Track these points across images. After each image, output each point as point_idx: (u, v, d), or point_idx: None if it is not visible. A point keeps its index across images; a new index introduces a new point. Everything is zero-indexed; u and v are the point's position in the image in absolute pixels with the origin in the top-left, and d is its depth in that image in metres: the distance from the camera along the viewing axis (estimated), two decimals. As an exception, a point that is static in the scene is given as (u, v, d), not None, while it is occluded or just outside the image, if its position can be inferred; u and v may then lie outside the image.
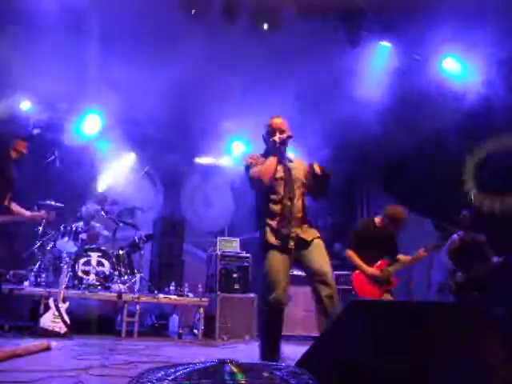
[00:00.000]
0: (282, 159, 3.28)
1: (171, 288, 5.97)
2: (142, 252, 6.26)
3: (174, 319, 6.12)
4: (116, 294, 5.34)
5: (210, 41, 5.44)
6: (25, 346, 3.49)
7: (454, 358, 1.59)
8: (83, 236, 5.89)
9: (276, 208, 3.19)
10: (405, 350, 1.60)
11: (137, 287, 5.83)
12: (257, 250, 3.34)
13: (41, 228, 5.78)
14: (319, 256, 3.11)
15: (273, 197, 3.23)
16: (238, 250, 6.40)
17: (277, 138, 3.24)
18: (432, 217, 5.84)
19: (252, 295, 6.02)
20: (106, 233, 6.23)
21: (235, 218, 8.64)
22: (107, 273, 5.68)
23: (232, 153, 8.26)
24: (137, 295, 5.44)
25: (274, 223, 3.16)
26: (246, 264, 6.25)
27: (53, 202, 5.76)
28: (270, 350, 3.04)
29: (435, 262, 5.78)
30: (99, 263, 5.66)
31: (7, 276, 5.37)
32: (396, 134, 6.55)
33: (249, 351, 4.78)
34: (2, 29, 5.54)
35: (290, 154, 3.61)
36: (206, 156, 8.22)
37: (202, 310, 5.66)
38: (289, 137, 3.28)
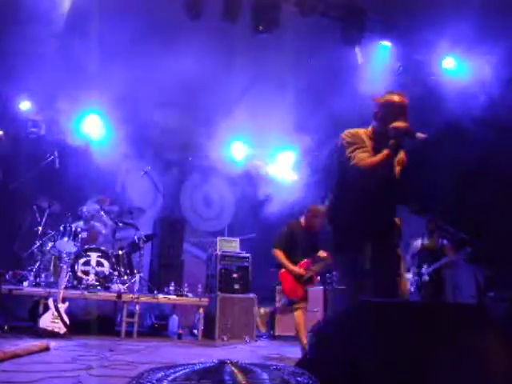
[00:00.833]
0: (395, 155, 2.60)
1: (171, 288, 5.96)
2: (142, 252, 6.25)
3: (174, 319, 6.12)
4: (115, 294, 5.33)
5: (210, 41, 5.44)
6: (24, 346, 3.48)
7: (455, 357, 1.59)
8: (83, 235, 5.88)
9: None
10: (405, 349, 1.59)
11: (136, 287, 5.83)
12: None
13: (40, 228, 5.78)
14: None
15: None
16: (238, 250, 6.40)
17: (403, 124, 2.54)
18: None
19: (252, 295, 6.01)
20: (103, 231, 6.21)
21: (235, 218, 8.64)
22: (107, 273, 5.67)
23: (232, 153, 8.26)
24: (136, 295, 5.44)
25: None
26: (245, 264, 6.25)
27: None
28: None
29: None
30: (99, 263, 5.66)
31: (7, 276, 5.36)
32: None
33: (249, 351, 4.77)
34: (3, 28, 5.54)
35: None
36: (206, 156, 8.21)
37: (201, 310, 5.65)
38: (410, 130, 2.55)
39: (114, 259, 5.77)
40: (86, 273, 5.57)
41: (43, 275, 5.53)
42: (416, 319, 1.70)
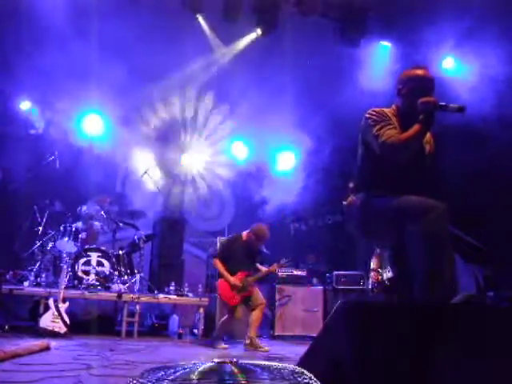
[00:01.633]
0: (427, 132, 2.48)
1: (171, 288, 5.96)
2: (142, 252, 6.26)
3: (174, 319, 6.12)
4: (116, 294, 5.33)
5: (210, 40, 5.44)
6: (25, 345, 3.48)
7: (440, 358, 1.60)
8: (83, 235, 5.88)
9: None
10: (391, 349, 1.60)
11: (137, 287, 5.83)
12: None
13: (41, 228, 5.79)
14: None
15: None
16: (238, 250, 6.38)
17: (434, 100, 2.42)
18: None
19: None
20: (103, 231, 6.21)
21: (235, 218, 8.64)
22: (107, 273, 5.67)
23: (232, 153, 8.26)
24: (137, 295, 5.44)
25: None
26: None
27: None
28: None
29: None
30: (99, 263, 5.66)
31: (7, 276, 5.36)
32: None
33: (249, 351, 4.77)
34: (4, 28, 5.55)
35: None
36: (206, 156, 8.21)
37: (201, 310, 5.65)
38: (439, 103, 2.43)
39: (114, 259, 5.77)
40: (87, 273, 5.57)
41: (43, 275, 5.53)
42: (394, 319, 1.70)
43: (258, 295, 5.15)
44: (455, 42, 5.80)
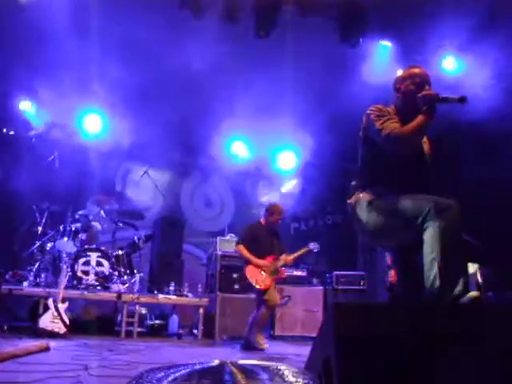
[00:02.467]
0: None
1: (171, 288, 5.96)
2: (142, 252, 6.25)
3: (174, 319, 6.12)
4: (116, 295, 5.33)
5: (210, 40, 5.44)
6: (24, 346, 3.47)
7: (431, 359, 1.59)
8: (82, 236, 5.88)
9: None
10: (383, 351, 1.59)
11: (136, 287, 5.82)
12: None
13: (40, 228, 5.78)
14: None
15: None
16: (238, 250, 6.38)
17: (435, 93, 2.47)
18: None
19: (252, 295, 6.00)
20: (103, 231, 6.20)
21: (235, 218, 8.64)
22: (107, 273, 5.66)
23: (232, 153, 8.26)
24: (136, 295, 5.43)
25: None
26: (245, 264, 6.23)
27: None
28: None
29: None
30: (99, 263, 5.65)
31: (7, 276, 5.36)
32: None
33: (249, 351, 4.76)
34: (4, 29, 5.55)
35: None
36: (206, 156, 8.21)
37: (201, 310, 5.65)
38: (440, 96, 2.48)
39: (113, 259, 5.77)
40: (86, 273, 5.56)
41: (43, 275, 5.53)
42: (385, 319, 1.70)
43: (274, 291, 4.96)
44: (455, 42, 5.79)
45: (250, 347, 4.77)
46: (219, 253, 6.20)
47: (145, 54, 5.96)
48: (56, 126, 7.10)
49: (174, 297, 5.82)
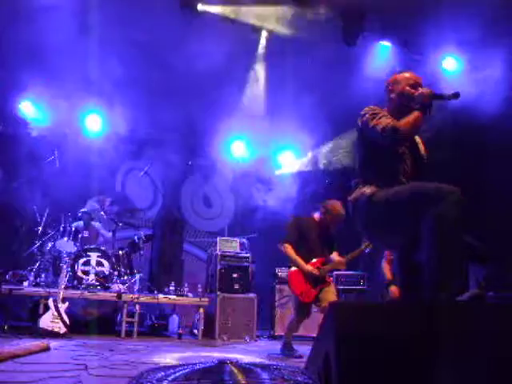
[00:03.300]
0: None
1: (171, 288, 5.96)
2: (142, 252, 6.26)
3: (174, 319, 6.12)
4: (116, 294, 5.33)
5: (210, 40, 5.44)
6: (24, 346, 3.48)
7: (428, 360, 1.60)
8: (83, 235, 5.88)
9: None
10: (379, 349, 1.60)
11: (136, 287, 5.83)
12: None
13: (40, 228, 5.78)
14: None
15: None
16: (238, 250, 6.40)
17: (429, 91, 2.56)
18: None
19: (252, 295, 6.01)
20: (108, 234, 6.21)
21: (235, 218, 8.64)
22: (107, 273, 5.67)
23: (232, 153, 8.26)
24: (136, 295, 5.44)
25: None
26: (245, 264, 6.24)
27: None
28: None
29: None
30: (99, 263, 5.65)
31: (7, 276, 5.36)
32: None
33: (249, 351, 4.77)
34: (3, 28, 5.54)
35: None
36: (207, 156, 8.22)
37: (201, 310, 5.65)
38: (434, 93, 2.57)
39: (113, 259, 5.77)
40: (86, 273, 5.56)
41: (43, 275, 5.53)
42: (382, 318, 1.71)
43: (333, 289, 4.38)
44: (456, 42, 5.80)
45: (285, 350, 4.40)
46: (219, 253, 6.21)
47: (146, 54, 5.96)
48: (56, 125, 7.09)
49: (174, 297, 5.82)
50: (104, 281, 5.62)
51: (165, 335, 5.90)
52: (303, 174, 8.30)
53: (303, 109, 6.30)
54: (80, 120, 7.34)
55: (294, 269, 4.34)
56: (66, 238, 5.73)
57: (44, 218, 5.86)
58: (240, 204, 8.61)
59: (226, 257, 6.20)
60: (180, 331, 5.66)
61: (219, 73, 5.87)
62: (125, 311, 5.27)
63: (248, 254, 6.32)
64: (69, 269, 5.24)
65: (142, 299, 5.48)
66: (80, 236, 5.83)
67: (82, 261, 5.59)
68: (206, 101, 6.62)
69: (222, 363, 1.69)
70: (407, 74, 2.77)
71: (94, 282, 5.53)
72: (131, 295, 5.42)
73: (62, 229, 5.80)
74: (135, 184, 7.88)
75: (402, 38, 6.08)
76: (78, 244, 5.76)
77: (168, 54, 5.77)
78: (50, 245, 5.75)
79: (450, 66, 6.19)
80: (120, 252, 5.98)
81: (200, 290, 6.14)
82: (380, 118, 2.59)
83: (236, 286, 6.07)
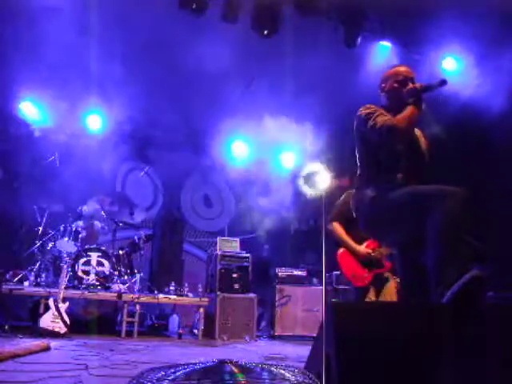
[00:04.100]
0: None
1: (171, 288, 5.96)
2: (142, 252, 6.26)
3: (174, 319, 6.12)
4: (116, 294, 5.33)
5: (210, 40, 5.44)
6: (25, 346, 3.48)
7: (430, 360, 1.60)
8: (83, 235, 5.89)
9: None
10: (379, 348, 1.60)
11: (137, 287, 5.83)
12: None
13: (41, 228, 5.79)
14: None
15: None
16: (238, 250, 6.40)
17: (418, 85, 2.60)
18: None
19: (252, 295, 6.01)
20: (103, 231, 6.21)
21: (235, 218, 8.65)
22: (107, 273, 5.67)
23: (232, 153, 8.26)
24: (137, 295, 5.44)
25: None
26: (245, 264, 6.24)
27: None
28: None
29: None
30: (99, 263, 5.66)
31: (7, 276, 5.37)
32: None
33: (249, 351, 4.77)
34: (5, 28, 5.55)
35: None
36: (206, 156, 8.22)
37: (201, 310, 5.65)
38: (424, 86, 2.59)
39: (114, 259, 5.78)
40: (87, 273, 5.57)
41: (43, 275, 5.53)
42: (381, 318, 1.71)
43: (394, 284, 3.93)
44: (456, 42, 5.80)
45: None
46: (219, 253, 6.21)
47: (147, 54, 5.96)
48: (57, 125, 7.10)
49: (174, 296, 5.82)
50: (104, 281, 5.62)
51: (165, 335, 5.90)
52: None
53: (303, 109, 6.30)
54: (80, 120, 7.34)
55: (342, 250, 4.00)
56: (66, 238, 5.73)
57: (44, 218, 5.87)
58: (240, 204, 8.61)
59: (226, 257, 6.20)
60: (180, 331, 5.66)
61: (220, 73, 5.86)
62: (125, 311, 5.27)
63: (248, 254, 6.32)
64: (69, 269, 5.25)
65: (143, 299, 5.48)
66: (80, 236, 5.84)
67: (82, 261, 5.59)
68: (206, 101, 6.62)
69: (222, 363, 1.69)
70: (399, 69, 2.78)
71: (94, 281, 5.53)
72: (131, 295, 5.42)
73: (62, 229, 5.81)
74: (135, 184, 7.89)
75: (402, 38, 6.08)
76: (78, 244, 5.77)
77: (169, 53, 5.77)
78: (50, 245, 5.75)
79: (450, 66, 6.19)
80: (120, 252, 5.99)
81: (200, 289, 6.14)
82: (376, 116, 2.59)
83: (236, 286, 6.07)
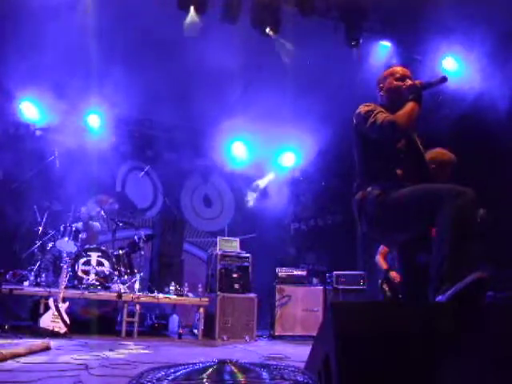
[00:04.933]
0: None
1: (171, 288, 5.96)
2: (142, 252, 6.26)
3: (174, 319, 6.12)
4: (116, 294, 5.33)
5: (210, 40, 5.44)
6: (25, 345, 3.48)
7: (425, 360, 1.60)
8: (83, 235, 5.89)
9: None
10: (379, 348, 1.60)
11: (137, 287, 5.83)
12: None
13: (41, 228, 5.79)
14: None
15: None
16: (238, 250, 6.40)
17: (418, 81, 2.62)
18: None
19: (252, 295, 6.01)
20: (97, 224, 6.20)
21: (235, 218, 8.65)
22: (107, 273, 5.67)
23: (232, 153, 8.26)
24: (137, 295, 5.44)
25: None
26: (245, 264, 6.25)
27: None
28: None
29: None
30: (99, 263, 5.66)
31: (7, 276, 5.37)
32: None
33: (249, 351, 4.77)
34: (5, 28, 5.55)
35: None
36: (206, 156, 8.22)
37: (202, 310, 5.65)
38: (423, 83, 2.62)
39: (114, 259, 5.78)
40: (87, 272, 5.57)
41: (43, 275, 5.53)
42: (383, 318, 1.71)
43: None
44: (456, 42, 5.79)
45: None
46: (219, 253, 6.21)
47: (148, 54, 5.96)
48: (57, 125, 7.10)
49: (174, 296, 5.82)
50: (104, 281, 5.62)
51: (165, 335, 5.90)
52: (302, 174, 8.31)
53: (303, 109, 6.31)
54: (80, 120, 7.34)
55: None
56: (66, 238, 5.73)
57: (44, 218, 5.87)
58: (240, 204, 8.61)
59: (226, 257, 6.20)
60: (180, 331, 5.66)
61: (220, 73, 5.86)
62: (125, 311, 5.27)
63: (248, 254, 6.32)
64: (69, 269, 5.25)
65: (143, 299, 5.48)
66: (80, 236, 5.84)
67: (82, 260, 5.59)
68: (206, 101, 6.62)
69: (222, 363, 1.69)
70: (393, 69, 2.80)
71: (94, 281, 5.54)
72: (131, 295, 5.42)
73: (62, 229, 5.80)
74: (135, 184, 7.89)
75: (402, 38, 6.08)
76: (78, 244, 5.77)
77: (169, 53, 5.77)
78: (50, 245, 5.76)
79: (450, 66, 6.19)
80: (120, 252, 5.99)
81: (200, 289, 6.14)
82: (376, 113, 2.57)
83: (236, 286, 6.07)
